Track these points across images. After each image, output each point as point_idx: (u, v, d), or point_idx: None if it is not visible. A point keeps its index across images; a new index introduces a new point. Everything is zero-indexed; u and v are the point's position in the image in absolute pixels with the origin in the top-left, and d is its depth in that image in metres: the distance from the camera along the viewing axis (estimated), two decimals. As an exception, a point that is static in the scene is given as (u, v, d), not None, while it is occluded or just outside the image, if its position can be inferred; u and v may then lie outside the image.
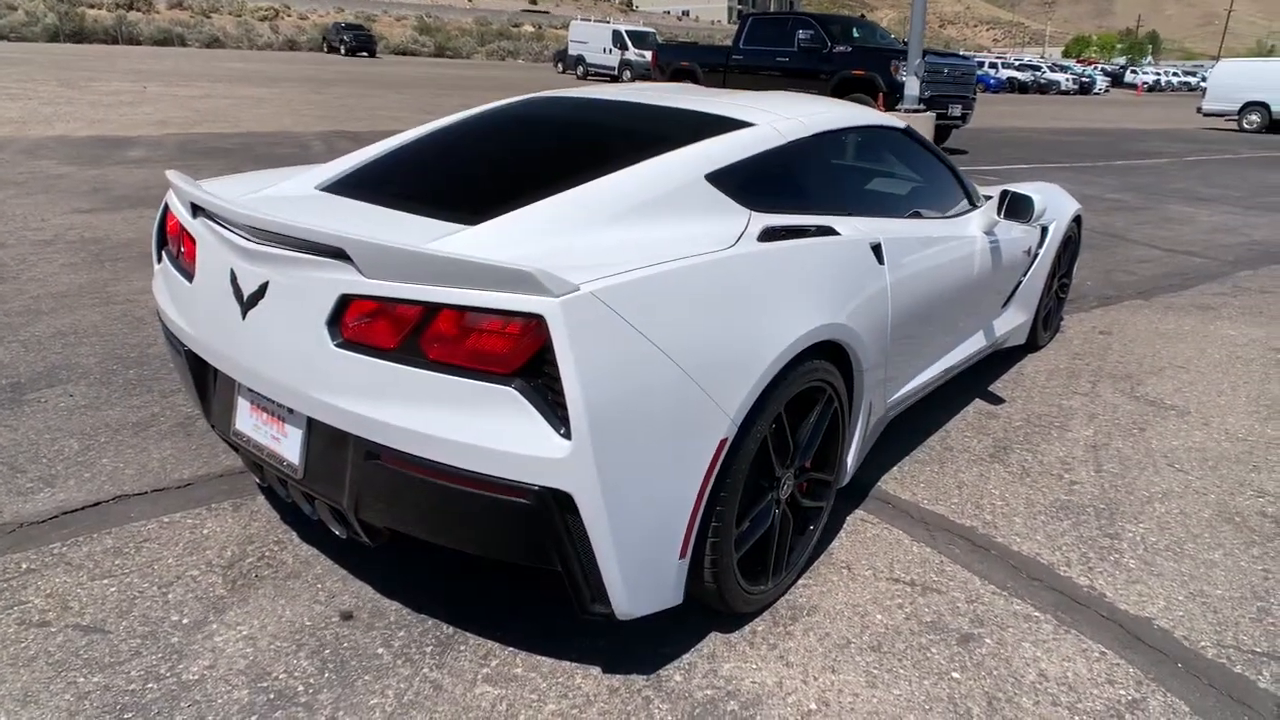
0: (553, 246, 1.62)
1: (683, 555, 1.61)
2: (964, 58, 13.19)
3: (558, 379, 1.37)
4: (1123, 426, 3.11)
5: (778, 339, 1.69)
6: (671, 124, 2.22)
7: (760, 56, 12.63)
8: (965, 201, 3.03)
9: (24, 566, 1.97)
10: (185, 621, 1.81)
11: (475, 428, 1.42)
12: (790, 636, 1.87)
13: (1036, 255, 3.48)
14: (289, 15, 49.16)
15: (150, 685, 1.63)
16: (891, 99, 10.58)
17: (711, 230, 1.80)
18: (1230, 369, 3.78)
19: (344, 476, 1.59)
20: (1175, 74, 64.83)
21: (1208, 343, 4.15)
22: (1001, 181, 4.09)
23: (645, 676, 1.72)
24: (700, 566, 1.69)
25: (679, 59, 14.26)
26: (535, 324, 1.37)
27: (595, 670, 1.73)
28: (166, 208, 2.09)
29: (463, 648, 1.78)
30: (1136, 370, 3.71)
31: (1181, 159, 13.46)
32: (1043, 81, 42.94)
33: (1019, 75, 42.36)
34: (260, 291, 1.62)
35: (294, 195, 2.03)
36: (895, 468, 2.70)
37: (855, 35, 12.32)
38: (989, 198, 3.11)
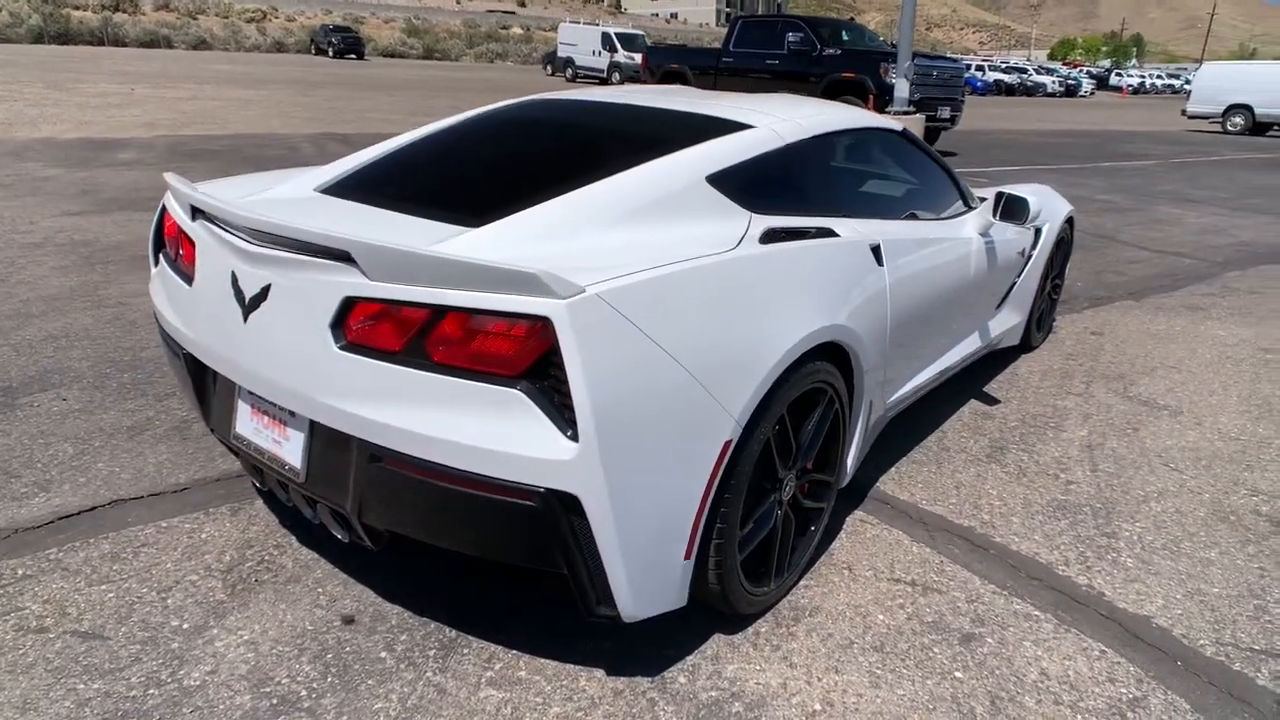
0: (556, 249, 1.61)
1: (687, 557, 1.61)
2: (952, 60, 13.28)
3: (564, 381, 1.37)
4: (1117, 426, 3.13)
5: (781, 340, 1.69)
6: (671, 126, 2.23)
7: (750, 59, 12.67)
8: (960, 203, 3.04)
9: (20, 572, 1.95)
10: (185, 627, 1.80)
11: (480, 430, 1.42)
12: (793, 637, 1.87)
13: (1030, 257, 3.50)
14: (276, 17, 48.93)
15: (151, 691, 1.61)
16: (881, 101, 10.63)
17: (713, 232, 1.81)
18: (1221, 369, 3.82)
19: (347, 480, 1.58)
20: (1159, 76, 65.57)
21: (1198, 343, 4.19)
22: (993, 183, 4.13)
23: (650, 678, 1.72)
24: (705, 568, 1.69)
25: (669, 61, 14.29)
26: (541, 326, 1.37)
27: (599, 672, 1.73)
28: (164, 210, 2.07)
29: (466, 651, 1.77)
30: (1129, 371, 3.74)
31: (1168, 161, 13.59)
32: (1029, 84, 43.28)
33: (1005, 78, 42.68)
34: (262, 294, 1.61)
35: (294, 197, 2.02)
36: (893, 468, 2.71)
37: (844, 38, 12.38)
38: (983, 199, 3.13)
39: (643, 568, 1.53)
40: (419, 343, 1.46)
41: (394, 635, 1.80)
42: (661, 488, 1.51)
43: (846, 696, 1.70)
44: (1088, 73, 58.88)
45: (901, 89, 9.67)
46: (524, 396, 1.40)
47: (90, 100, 12.96)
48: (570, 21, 31.77)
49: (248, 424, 1.78)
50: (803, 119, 2.37)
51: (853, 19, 16.20)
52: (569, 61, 29.84)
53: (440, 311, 1.43)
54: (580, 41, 29.44)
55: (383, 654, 1.75)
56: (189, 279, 1.87)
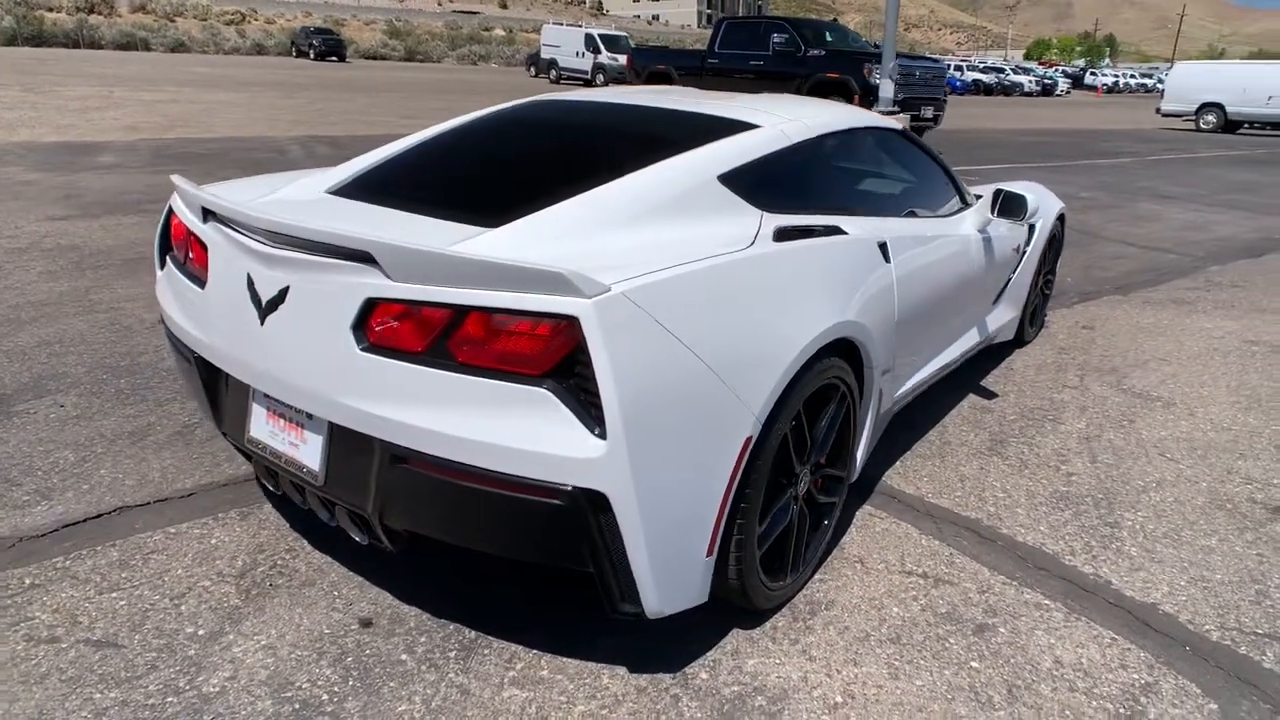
0: (574, 248, 1.62)
1: (710, 553, 1.62)
2: (934, 60, 13.42)
3: (591, 379, 1.37)
4: (1113, 418, 3.18)
5: (798, 337, 1.71)
6: (678, 126, 2.24)
7: (735, 60, 12.73)
8: (958, 200, 3.08)
9: (27, 582, 1.92)
10: (201, 633, 1.78)
11: (506, 429, 1.42)
12: (811, 631, 1.89)
13: (1024, 253, 3.55)
14: (255, 20, 48.45)
15: (170, 699, 1.60)
16: (866, 102, 10.72)
17: (728, 231, 1.82)
18: (1209, 361, 3.89)
19: (369, 481, 1.58)
20: (1133, 76, 66.58)
21: (1186, 335, 4.26)
22: (982, 182, 4.17)
23: (672, 675, 1.73)
24: (726, 564, 1.70)
25: (654, 62, 14.34)
26: (568, 325, 1.38)
27: (621, 670, 1.73)
28: (170, 213, 2.05)
29: (486, 651, 1.77)
30: (1121, 364, 3.80)
31: (1145, 158, 13.81)
32: (1006, 84, 43.79)
33: (984, 78, 43.17)
34: (280, 296, 1.60)
35: (306, 199, 2.01)
36: (898, 463, 2.74)
37: (828, 39, 12.48)
38: (979, 197, 3.17)
39: (667, 564, 1.54)
40: (442, 343, 1.45)
41: (413, 637, 1.80)
42: (686, 484, 1.52)
43: (867, 688, 1.72)
44: (1063, 72, 59.69)
45: (886, 89, 9.76)
46: (551, 395, 1.40)
47: (69, 103, 12.77)
48: (554, 23, 31.72)
49: (263, 427, 1.76)
50: (807, 118, 2.39)
51: (835, 20, 16.32)
52: (552, 63, 29.80)
53: (464, 311, 1.43)
54: (564, 43, 29.40)
55: (403, 656, 1.74)
56: (201, 282, 1.85)
